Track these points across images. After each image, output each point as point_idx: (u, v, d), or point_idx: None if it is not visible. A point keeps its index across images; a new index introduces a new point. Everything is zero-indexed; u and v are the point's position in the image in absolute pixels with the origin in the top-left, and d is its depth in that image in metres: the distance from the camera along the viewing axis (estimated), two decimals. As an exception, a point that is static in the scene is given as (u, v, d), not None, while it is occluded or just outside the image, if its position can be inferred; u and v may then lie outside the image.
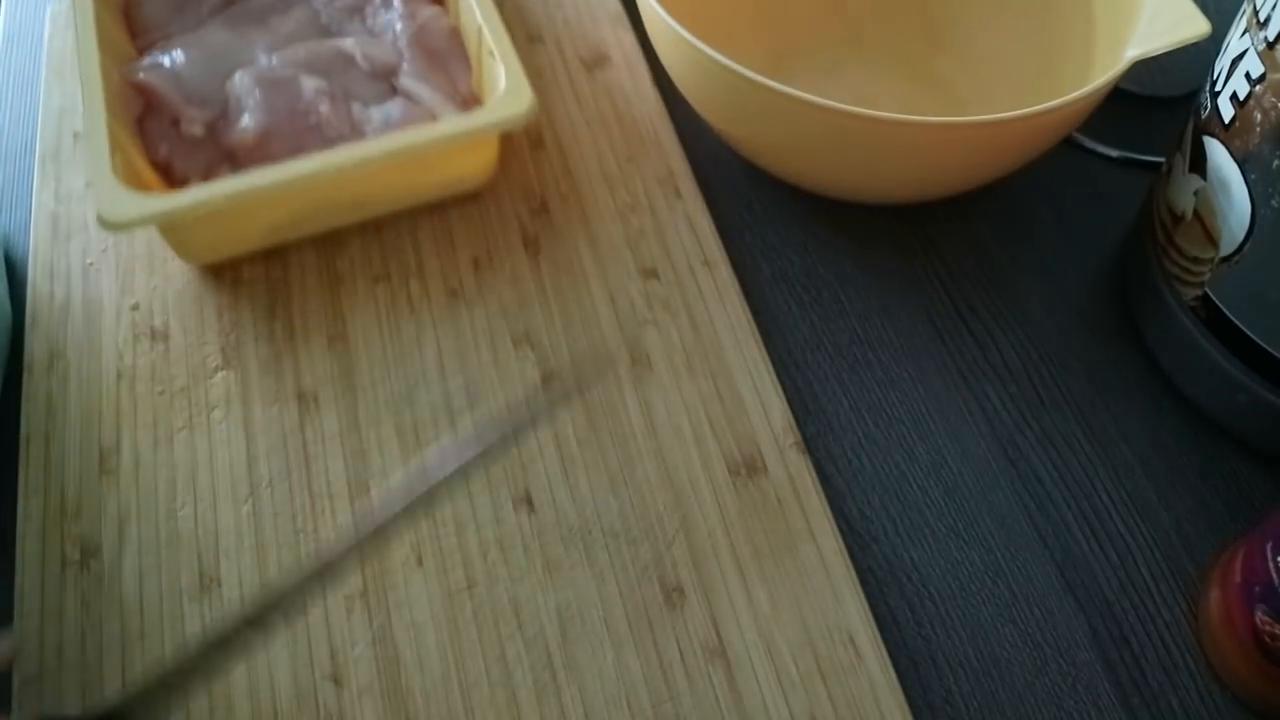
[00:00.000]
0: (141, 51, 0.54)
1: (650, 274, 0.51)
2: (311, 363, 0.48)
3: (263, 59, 0.53)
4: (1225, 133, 0.41)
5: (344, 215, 0.51)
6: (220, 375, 0.47)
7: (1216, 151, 0.41)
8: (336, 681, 0.40)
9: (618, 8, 0.62)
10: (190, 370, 0.48)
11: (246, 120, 0.50)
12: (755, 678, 0.40)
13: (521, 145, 0.56)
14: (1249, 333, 0.42)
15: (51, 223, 0.53)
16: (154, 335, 0.49)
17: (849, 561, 0.42)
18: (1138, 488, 0.46)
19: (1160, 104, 0.59)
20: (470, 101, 0.53)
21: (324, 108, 0.50)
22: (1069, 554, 0.44)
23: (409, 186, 0.52)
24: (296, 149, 0.49)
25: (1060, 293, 0.52)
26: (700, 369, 0.48)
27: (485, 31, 0.51)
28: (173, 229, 0.49)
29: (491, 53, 0.50)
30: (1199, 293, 0.44)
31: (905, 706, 0.39)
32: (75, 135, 0.56)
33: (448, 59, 0.54)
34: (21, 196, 0.55)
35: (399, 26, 0.54)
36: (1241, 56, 0.40)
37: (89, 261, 0.51)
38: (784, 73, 0.48)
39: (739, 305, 0.50)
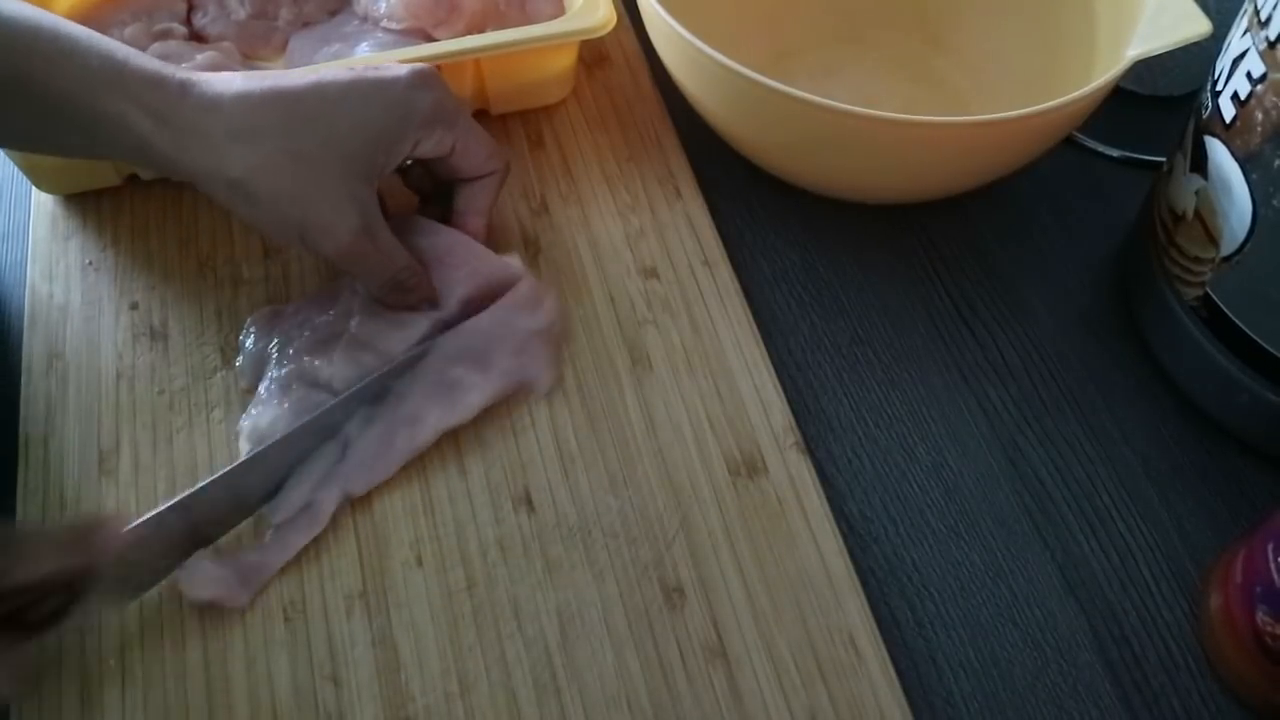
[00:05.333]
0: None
1: (650, 274, 0.51)
2: (311, 363, 0.48)
3: None
4: (1226, 132, 0.41)
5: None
6: (220, 375, 0.47)
7: (1218, 151, 0.41)
8: (336, 682, 0.40)
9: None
10: (190, 370, 0.47)
11: None
12: (755, 678, 0.40)
13: (521, 145, 0.56)
14: (1250, 333, 0.42)
15: (50, 223, 0.53)
16: (153, 335, 0.49)
17: (849, 562, 0.42)
18: (1139, 488, 0.45)
19: (1161, 103, 0.59)
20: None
21: None
22: (1070, 554, 0.44)
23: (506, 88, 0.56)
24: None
25: (1061, 292, 0.52)
26: (700, 369, 0.48)
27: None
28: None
29: None
30: (1200, 292, 0.44)
31: (906, 707, 0.39)
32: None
33: None
34: (20, 196, 0.55)
35: None
36: (1243, 56, 0.40)
37: (88, 261, 0.51)
38: (784, 72, 0.48)
39: (739, 305, 0.50)
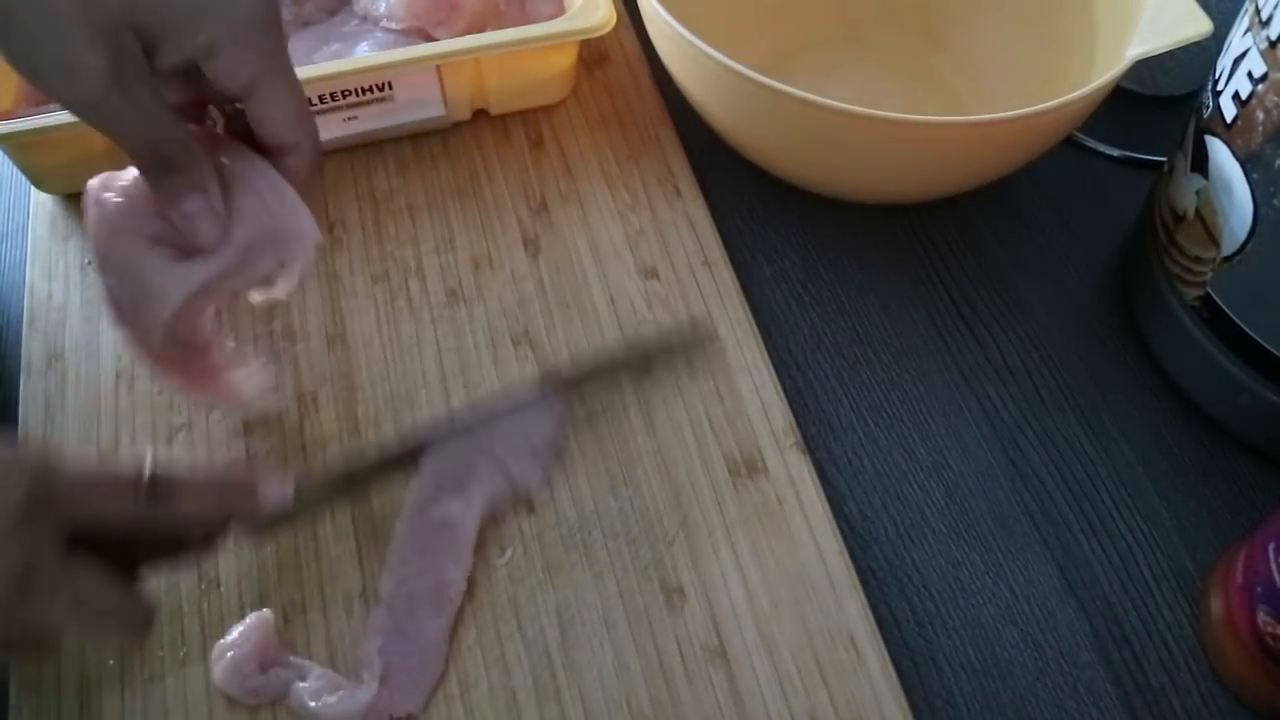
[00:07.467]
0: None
1: (650, 274, 0.51)
2: (311, 363, 0.48)
3: None
4: (1227, 132, 0.41)
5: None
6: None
7: (1218, 151, 0.41)
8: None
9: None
10: (189, 370, 0.47)
11: None
12: (755, 678, 0.40)
13: (521, 145, 0.56)
14: (1251, 333, 0.42)
15: (50, 223, 0.53)
16: (153, 335, 0.49)
17: (849, 562, 0.42)
18: (1139, 488, 0.45)
19: (1162, 103, 0.59)
20: None
21: None
22: (1070, 554, 0.44)
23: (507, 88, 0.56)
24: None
25: (1062, 292, 0.52)
26: (700, 369, 0.48)
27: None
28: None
29: None
30: (1201, 292, 0.44)
31: (906, 707, 0.39)
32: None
33: None
34: (19, 197, 0.55)
35: None
36: (1243, 56, 0.40)
37: (87, 261, 0.51)
38: (784, 72, 0.48)
39: (739, 305, 0.50)
